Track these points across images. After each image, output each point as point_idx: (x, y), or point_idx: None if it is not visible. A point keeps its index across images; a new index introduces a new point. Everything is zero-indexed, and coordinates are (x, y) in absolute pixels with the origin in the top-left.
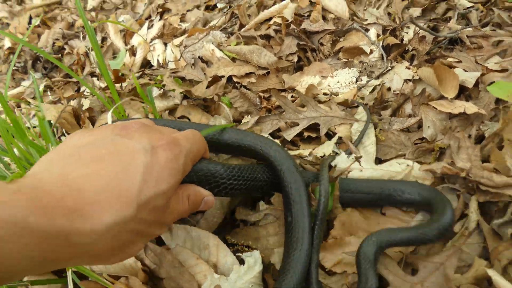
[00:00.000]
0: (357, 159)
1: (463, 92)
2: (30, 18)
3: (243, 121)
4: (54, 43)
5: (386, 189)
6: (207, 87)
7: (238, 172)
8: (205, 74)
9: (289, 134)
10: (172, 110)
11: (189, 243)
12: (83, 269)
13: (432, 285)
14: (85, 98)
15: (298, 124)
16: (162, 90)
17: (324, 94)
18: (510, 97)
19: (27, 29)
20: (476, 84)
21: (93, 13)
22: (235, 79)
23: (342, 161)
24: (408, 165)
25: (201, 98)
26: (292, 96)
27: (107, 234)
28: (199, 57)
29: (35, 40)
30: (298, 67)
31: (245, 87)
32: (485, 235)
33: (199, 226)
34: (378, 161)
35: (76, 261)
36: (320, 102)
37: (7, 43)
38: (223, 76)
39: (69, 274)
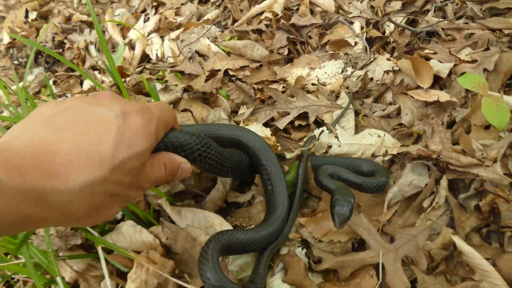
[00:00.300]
0: (336, 136)
1: (438, 82)
2: (27, 11)
3: (240, 112)
4: (53, 37)
5: (348, 165)
6: (206, 80)
7: (210, 142)
8: (202, 67)
9: (282, 123)
10: (174, 104)
11: (197, 222)
12: (109, 244)
13: (405, 252)
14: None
15: (289, 113)
16: (164, 84)
17: (313, 84)
18: (476, 87)
19: (24, 23)
20: (450, 74)
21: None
22: (230, 72)
23: (324, 137)
24: (379, 136)
25: (201, 91)
26: (283, 87)
27: (81, 194)
28: (196, 51)
29: (33, 34)
30: (289, 59)
31: (240, 79)
32: (452, 207)
33: (204, 208)
34: None
35: (53, 221)
36: (309, 92)
37: (5, 37)
38: (219, 70)
39: (99, 249)
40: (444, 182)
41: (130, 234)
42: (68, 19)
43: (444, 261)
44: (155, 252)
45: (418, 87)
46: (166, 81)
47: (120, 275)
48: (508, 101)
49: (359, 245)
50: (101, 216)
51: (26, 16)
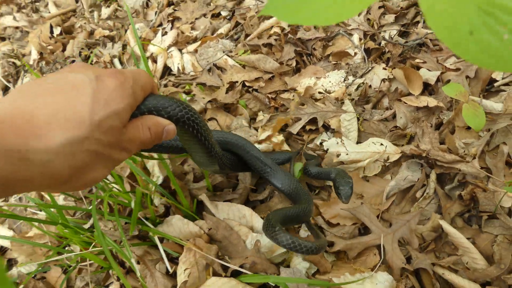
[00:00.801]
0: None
1: (428, 88)
2: (51, 26)
3: (258, 118)
4: (80, 52)
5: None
6: (226, 92)
7: (192, 108)
8: (221, 79)
9: (295, 128)
10: (201, 113)
11: (231, 214)
12: (163, 234)
13: (400, 235)
14: None
15: (300, 119)
16: (191, 97)
17: (319, 92)
18: (458, 95)
19: (50, 38)
20: (437, 80)
21: (109, 22)
22: (247, 84)
23: (333, 146)
24: (381, 144)
25: (223, 102)
26: (293, 96)
27: (62, 152)
28: (214, 64)
29: (59, 48)
30: (297, 69)
31: (255, 90)
32: (440, 197)
33: (235, 201)
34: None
35: (39, 184)
36: (316, 99)
37: (34, 52)
38: (237, 82)
39: (156, 238)
40: (433, 176)
41: (179, 225)
42: (90, 33)
43: (433, 241)
44: (201, 239)
45: (410, 93)
46: (194, 95)
47: (171, 260)
48: (487, 105)
49: (364, 230)
50: (88, 177)
51: (51, 31)
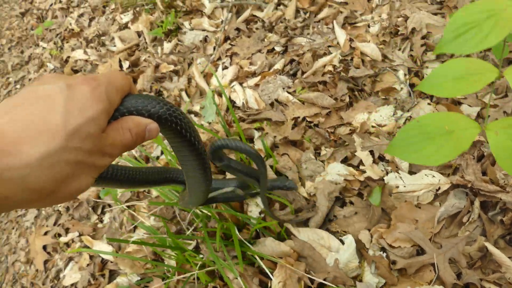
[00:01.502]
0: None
1: None
2: (119, 60)
3: (322, 153)
4: (151, 86)
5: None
6: (292, 128)
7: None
8: (284, 114)
9: (356, 160)
10: (272, 148)
11: (312, 236)
12: (259, 253)
13: (451, 254)
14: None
15: (357, 151)
16: (261, 133)
17: (372, 126)
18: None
19: (119, 71)
20: (478, 116)
21: (172, 56)
22: (307, 119)
23: (392, 179)
24: (433, 176)
25: (290, 138)
26: (350, 130)
27: (41, 166)
28: (275, 99)
29: None
30: (350, 104)
31: (316, 125)
32: (484, 221)
33: (311, 226)
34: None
35: (23, 200)
36: (371, 133)
37: None
38: (299, 117)
39: (257, 256)
40: (477, 203)
41: (272, 246)
42: (156, 67)
43: (479, 259)
44: (290, 257)
45: None
46: (267, 133)
47: (262, 274)
48: None
49: (421, 250)
50: (72, 187)
51: (120, 65)
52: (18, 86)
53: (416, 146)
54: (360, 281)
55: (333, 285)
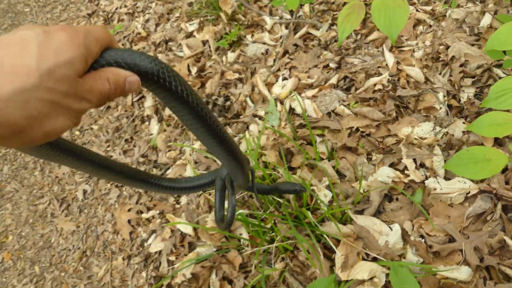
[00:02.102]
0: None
1: (497, 140)
2: (188, 66)
3: (373, 158)
4: (219, 91)
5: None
6: (348, 136)
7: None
8: (339, 123)
9: (400, 166)
10: (331, 152)
11: (367, 223)
12: (326, 233)
13: (476, 243)
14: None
15: (402, 158)
16: (321, 139)
17: (415, 138)
18: None
19: (187, 75)
20: (506, 136)
21: (237, 66)
22: (360, 129)
23: (430, 183)
24: (465, 182)
25: (348, 145)
26: (396, 140)
27: (13, 101)
28: (332, 111)
29: (197, 85)
30: (396, 118)
31: (367, 134)
32: (504, 220)
33: (366, 214)
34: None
35: None
36: (414, 144)
37: None
38: (353, 127)
39: (326, 236)
40: (499, 206)
41: (334, 228)
42: (221, 74)
43: (498, 249)
44: (350, 237)
45: (483, 144)
46: (328, 139)
47: (327, 249)
48: None
49: (452, 239)
50: (46, 127)
51: (189, 70)
52: None
53: (467, 166)
54: (404, 258)
55: (384, 259)
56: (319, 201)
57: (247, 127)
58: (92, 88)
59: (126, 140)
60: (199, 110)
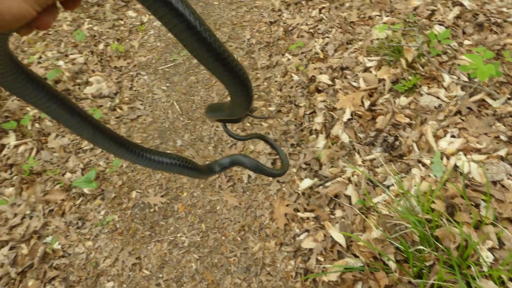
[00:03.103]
0: None
1: None
2: (362, 97)
3: None
4: (389, 129)
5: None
6: None
7: None
8: (504, 195)
9: None
10: None
11: None
12: None
13: None
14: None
15: None
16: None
17: None
18: None
19: (360, 105)
20: None
21: (408, 111)
22: None
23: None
24: None
25: None
26: None
27: None
28: (497, 181)
29: (368, 117)
30: None
31: None
32: None
33: None
34: None
35: None
36: None
37: (347, 112)
38: None
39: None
40: None
41: (493, 286)
42: (392, 114)
43: None
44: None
45: None
46: (495, 208)
47: None
48: None
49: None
50: (4, 4)
51: (362, 102)
52: (265, 83)
53: None
54: None
55: None
56: (481, 260)
57: (409, 169)
58: None
59: (292, 145)
60: (190, 21)
